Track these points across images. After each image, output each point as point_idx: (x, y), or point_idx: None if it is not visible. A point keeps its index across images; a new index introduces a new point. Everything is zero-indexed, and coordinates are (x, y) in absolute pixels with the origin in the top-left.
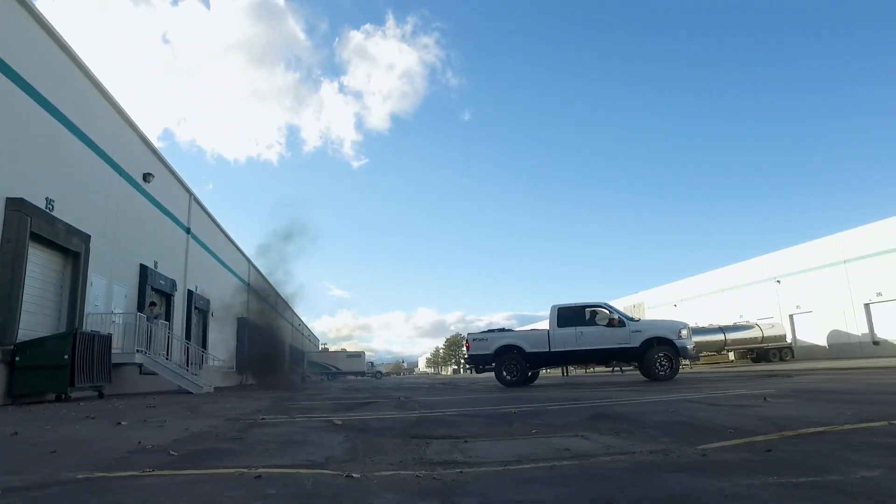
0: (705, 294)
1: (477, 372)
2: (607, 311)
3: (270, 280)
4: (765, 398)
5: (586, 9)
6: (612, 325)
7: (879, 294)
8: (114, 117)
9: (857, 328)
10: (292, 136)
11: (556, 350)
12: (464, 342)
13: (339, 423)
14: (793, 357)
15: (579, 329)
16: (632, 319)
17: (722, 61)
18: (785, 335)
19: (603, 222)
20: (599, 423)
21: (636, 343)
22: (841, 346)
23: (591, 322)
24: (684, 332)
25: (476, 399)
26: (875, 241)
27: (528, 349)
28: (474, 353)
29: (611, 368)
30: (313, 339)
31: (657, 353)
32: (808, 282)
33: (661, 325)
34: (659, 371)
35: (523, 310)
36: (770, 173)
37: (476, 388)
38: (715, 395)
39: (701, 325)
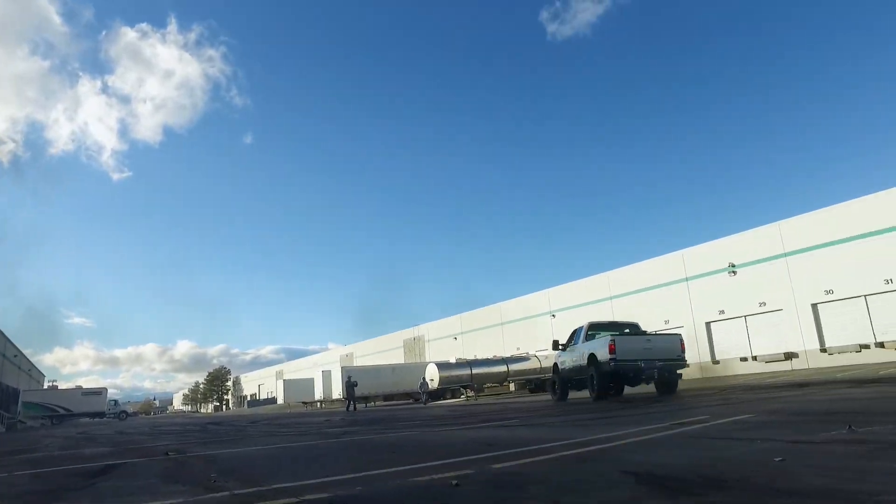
0: (484, 328)
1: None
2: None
3: None
4: (848, 426)
5: (381, 40)
6: None
7: (667, 322)
8: None
9: None
10: (34, 133)
11: None
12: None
13: None
14: None
15: None
16: None
17: (530, 112)
18: None
19: (383, 254)
20: None
21: None
22: None
23: None
24: None
25: (321, 450)
26: (637, 278)
27: None
28: None
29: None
30: (36, 373)
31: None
32: (579, 316)
33: None
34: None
35: (291, 343)
36: (551, 213)
37: (268, 428)
38: (715, 428)
39: (485, 357)
